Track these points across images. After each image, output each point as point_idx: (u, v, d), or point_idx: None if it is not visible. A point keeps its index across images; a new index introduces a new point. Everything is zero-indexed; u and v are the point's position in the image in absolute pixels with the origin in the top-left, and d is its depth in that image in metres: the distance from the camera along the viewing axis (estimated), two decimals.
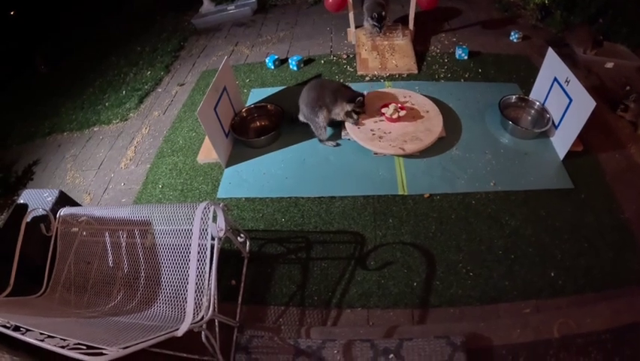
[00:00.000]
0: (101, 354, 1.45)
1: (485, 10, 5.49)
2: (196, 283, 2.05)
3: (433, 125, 3.62)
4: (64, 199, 3.02)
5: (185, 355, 2.37)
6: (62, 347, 1.48)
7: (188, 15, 6.65)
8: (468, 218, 3.10)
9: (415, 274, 2.82)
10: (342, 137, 3.76)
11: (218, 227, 2.18)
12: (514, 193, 3.22)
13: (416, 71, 4.48)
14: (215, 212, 2.23)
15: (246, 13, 6.33)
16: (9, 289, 2.31)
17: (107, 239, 2.59)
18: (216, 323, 2.39)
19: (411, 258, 2.91)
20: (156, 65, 5.59)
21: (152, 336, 1.73)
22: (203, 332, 2.09)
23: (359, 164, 3.54)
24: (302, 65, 4.83)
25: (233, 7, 6.39)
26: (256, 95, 4.45)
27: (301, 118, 3.75)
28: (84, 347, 1.49)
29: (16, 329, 1.67)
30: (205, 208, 2.19)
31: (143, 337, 1.81)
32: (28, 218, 2.51)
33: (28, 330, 1.65)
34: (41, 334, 1.61)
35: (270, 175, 3.58)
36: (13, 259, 2.37)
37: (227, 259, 2.93)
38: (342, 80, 4.49)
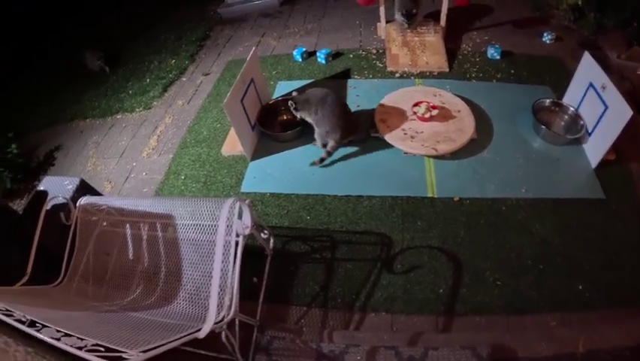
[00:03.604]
0: (121, 358, 1.36)
1: (517, 8, 5.29)
2: (219, 282, 1.96)
3: (464, 126, 3.50)
4: (84, 188, 2.97)
5: (203, 352, 2.29)
6: (80, 348, 1.40)
7: (213, 5, 6.57)
8: (497, 224, 2.98)
9: (442, 279, 2.72)
10: (372, 134, 3.65)
11: (244, 224, 2.10)
12: (545, 201, 3.09)
13: (447, 69, 4.35)
14: (240, 208, 2.14)
15: (272, 4, 6.23)
16: (25, 278, 2.27)
17: (128, 231, 2.53)
18: (236, 322, 2.29)
19: (438, 263, 2.81)
20: (181, 54, 5.54)
21: (173, 338, 1.65)
22: (223, 332, 2.01)
23: (388, 163, 3.44)
24: (330, 59, 4.72)
25: None
26: (283, 88, 4.36)
27: (309, 120, 3.56)
28: (102, 349, 1.41)
29: (32, 324, 1.60)
30: (232, 204, 2.10)
31: (163, 336, 1.73)
32: (48, 206, 2.47)
33: (44, 326, 1.58)
34: (58, 331, 1.53)
35: (296, 171, 3.49)
36: (31, 246, 2.33)
37: (249, 256, 2.79)
38: (371, 76, 4.40)
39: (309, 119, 3.52)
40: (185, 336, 1.71)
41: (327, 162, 3.48)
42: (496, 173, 3.29)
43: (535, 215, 3.00)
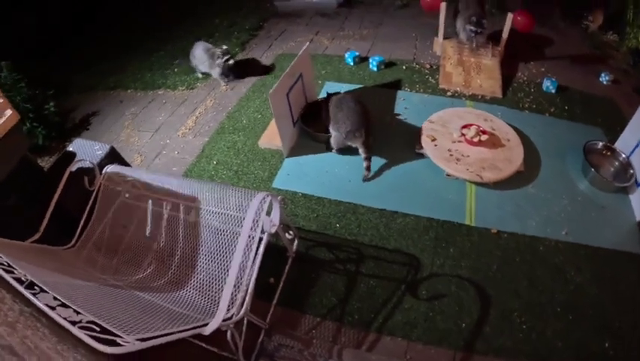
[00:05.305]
0: (115, 343, 1.23)
1: (577, 44, 5.11)
2: (236, 277, 1.84)
3: (513, 156, 3.34)
4: (114, 156, 2.94)
5: (203, 344, 2.23)
6: (73, 323, 1.28)
7: None
8: (533, 264, 2.81)
9: (467, 313, 2.57)
10: (416, 151, 3.51)
11: (272, 221, 2.00)
12: (584, 247, 2.91)
13: (500, 96, 4.19)
14: (270, 204, 2.05)
15: (330, 4, 6.18)
16: (37, 236, 2.20)
17: (150, 207, 2.45)
18: (245, 322, 2.21)
19: (465, 295, 2.65)
20: (232, 40, 5.52)
21: (175, 330, 1.54)
22: (229, 330, 1.91)
23: (429, 183, 3.30)
24: (382, 67, 4.62)
25: None
26: (330, 89, 4.21)
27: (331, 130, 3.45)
28: (97, 329, 1.29)
29: (31, 285, 1.49)
30: (263, 199, 1.99)
31: (165, 325, 1.65)
32: (73, 167, 2.42)
33: (42, 290, 1.47)
34: (55, 299, 1.42)
35: (333, 175, 3.40)
36: (49, 205, 2.27)
37: (270, 254, 2.69)
38: (422, 91, 4.28)
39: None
40: (188, 330, 1.61)
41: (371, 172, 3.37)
42: (538, 210, 3.13)
43: (573, 261, 2.83)
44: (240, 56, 5.18)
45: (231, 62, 4.45)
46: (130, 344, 1.26)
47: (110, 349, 1.21)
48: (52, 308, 1.35)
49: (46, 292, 1.46)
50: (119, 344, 1.24)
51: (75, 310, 1.37)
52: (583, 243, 2.93)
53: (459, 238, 2.94)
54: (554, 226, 3.02)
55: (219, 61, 4.42)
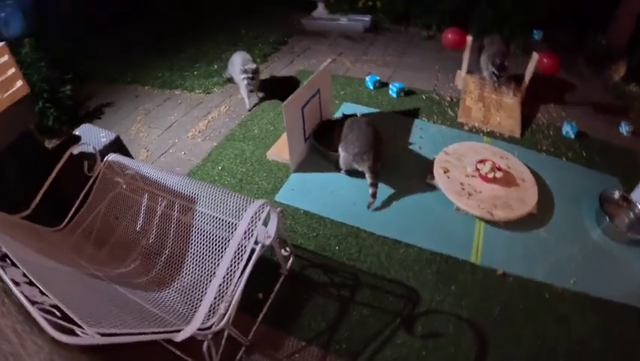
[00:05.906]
0: (72, 332, 1.13)
1: (599, 92, 5.05)
2: (220, 286, 1.74)
3: (526, 197, 3.24)
4: (118, 145, 2.90)
5: (177, 352, 2.11)
6: (33, 303, 1.18)
7: (298, 14, 6.69)
8: (537, 311, 2.67)
9: (462, 356, 2.42)
10: (427, 181, 3.44)
11: (267, 233, 1.91)
12: (592, 299, 2.77)
13: (518, 135, 4.13)
14: (268, 215, 1.98)
15: (356, 28, 6.27)
16: (27, 212, 2.15)
17: (145, 201, 2.38)
18: (224, 335, 2.09)
19: (463, 337, 2.51)
20: (255, 52, 5.54)
21: (145, 331, 1.44)
22: (206, 341, 1.81)
23: (436, 215, 3.20)
24: (402, 94, 4.60)
25: (345, 19, 6.37)
26: (347, 109, 4.24)
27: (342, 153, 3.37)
28: (59, 314, 1.19)
29: (3, 258, 1.40)
30: (260, 207, 1.91)
31: (137, 324, 1.54)
32: (75, 150, 2.38)
33: (13, 264, 1.38)
34: (24, 276, 1.33)
35: (338, 196, 3.32)
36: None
37: (262, 268, 2.57)
38: (439, 122, 4.22)
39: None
40: (158, 333, 1.51)
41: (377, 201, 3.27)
42: (548, 255, 3.01)
43: (579, 311, 2.69)
44: (261, 69, 5.15)
45: (246, 82, 4.15)
46: (89, 336, 1.16)
47: (64, 338, 1.11)
48: (17, 284, 1.25)
49: (16, 267, 1.37)
50: (76, 335, 1.14)
51: (41, 291, 1.28)
52: (591, 294, 2.79)
53: (462, 276, 2.81)
54: (563, 274, 2.89)
55: (241, 76, 4.17)
